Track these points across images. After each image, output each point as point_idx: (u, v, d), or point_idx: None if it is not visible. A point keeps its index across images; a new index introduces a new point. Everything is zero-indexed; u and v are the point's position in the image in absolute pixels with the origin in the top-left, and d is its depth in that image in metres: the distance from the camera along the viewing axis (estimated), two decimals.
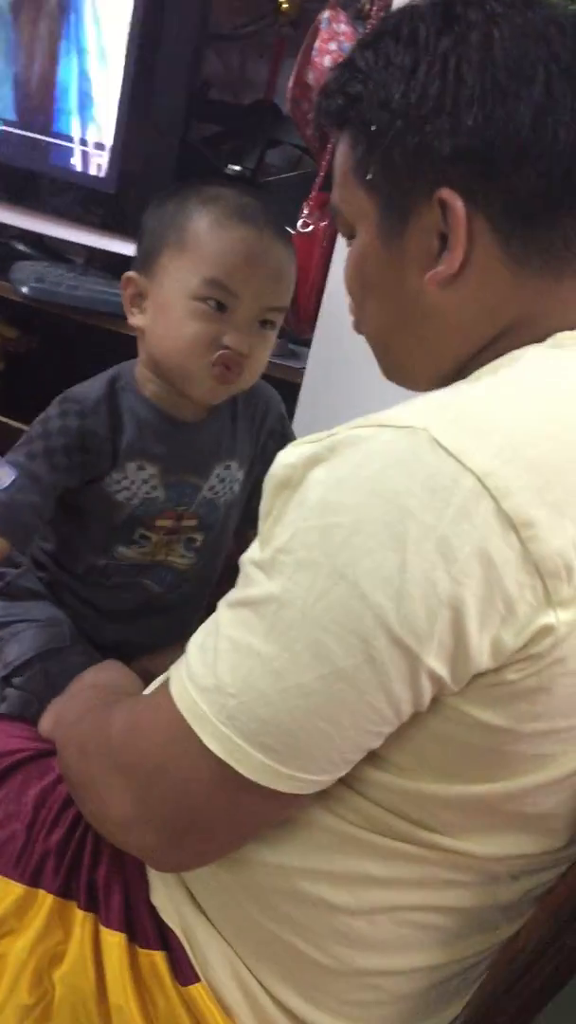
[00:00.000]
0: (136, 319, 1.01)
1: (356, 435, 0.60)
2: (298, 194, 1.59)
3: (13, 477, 0.97)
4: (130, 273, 1.01)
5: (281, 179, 1.74)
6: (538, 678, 0.59)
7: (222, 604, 0.65)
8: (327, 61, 1.45)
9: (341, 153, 0.73)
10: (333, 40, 1.45)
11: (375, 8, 1.41)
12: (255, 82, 1.95)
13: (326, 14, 1.47)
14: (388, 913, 0.68)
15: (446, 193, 0.66)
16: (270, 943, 0.70)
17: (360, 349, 0.80)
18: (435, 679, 0.58)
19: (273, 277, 0.96)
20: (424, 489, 0.56)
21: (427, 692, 0.59)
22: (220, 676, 0.62)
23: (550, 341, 0.66)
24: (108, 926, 0.75)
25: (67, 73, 1.72)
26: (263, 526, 0.64)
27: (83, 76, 1.70)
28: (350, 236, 0.75)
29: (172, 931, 0.74)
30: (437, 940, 0.69)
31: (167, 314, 0.97)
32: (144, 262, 0.99)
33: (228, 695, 0.61)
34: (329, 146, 1.50)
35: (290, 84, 1.53)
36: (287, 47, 1.84)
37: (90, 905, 0.76)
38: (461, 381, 0.67)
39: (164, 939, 0.74)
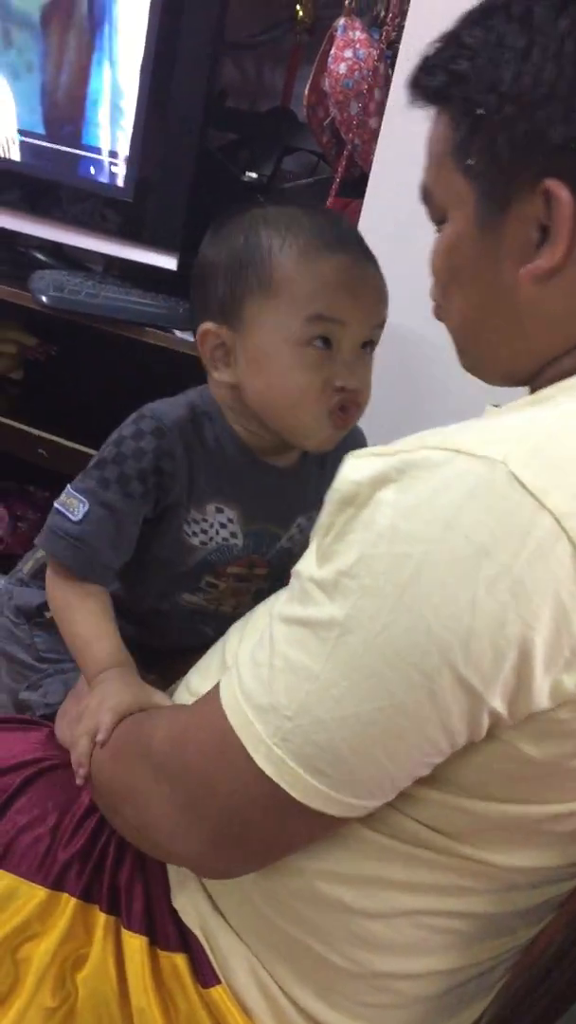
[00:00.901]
0: (224, 374, 0.91)
1: (428, 458, 0.58)
2: (315, 200, 1.60)
3: (86, 509, 0.88)
4: (208, 326, 0.90)
5: (298, 185, 1.74)
6: None
7: (276, 617, 0.64)
8: (343, 68, 1.46)
9: (437, 133, 0.69)
10: (349, 47, 1.45)
11: (390, 15, 1.41)
12: (271, 89, 1.96)
13: (341, 21, 1.48)
14: (406, 917, 0.68)
15: (553, 184, 0.62)
16: (289, 945, 0.71)
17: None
18: (494, 715, 0.58)
19: (374, 297, 0.88)
20: (500, 526, 0.55)
21: (485, 727, 0.59)
22: (276, 696, 0.61)
23: None
24: (130, 929, 0.76)
25: (97, 84, 1.73)
26: (322, 540, 0.63)
27: (114, 88, 1.72)
28: (440, 221, 0.71)
29: (193, 933, 0.75)
30: (454, 944, 0.70)
31: (267, 367, 0.87)
32: (222, 311, 0.89)
33: (284, 717, 0.60)
34: (345, 152, 1.51)
35: (306, 91, 1.54)
36: (303, 54, 1.85)
37: (112, 908, 0.77)
38: (535, 401, 0.65)
39: (185, 942, 0.75)
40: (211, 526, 0.95)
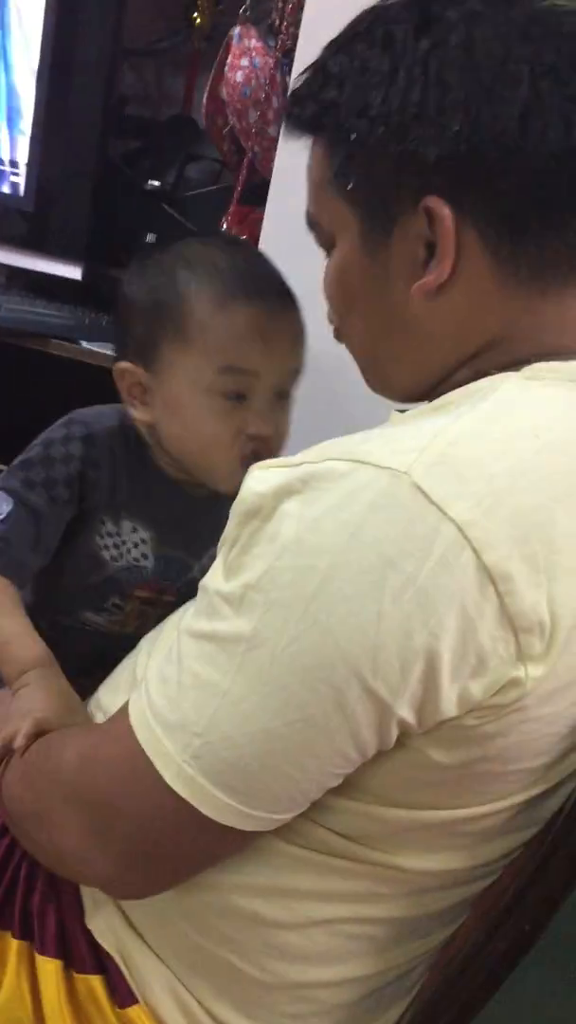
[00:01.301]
0: (140, 413, 0.90)
1: (331, 469, 0.58)
2: (218, 208, 1.60)
3: (9, 508, 0.87)
4: (124, 365, 0.89)
5: (201, 193, 1.74)
6: (496, 725, 0.59)
7: (184, 632, 0.63)
8: (239, 76, 1.46)
9: (315, 162, 0.70)
10: (245, 56, 1.46)
11: (285, 24, 1.42)
12: (173, 97, 1.95)
13: (237, 30, 1.48)
14: (320, 926, 0.68)
15: (433, 201, 0.63)
16: (206, 960, 0.70)
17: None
18: (403, 724, 0.58)
19: (289, 347, 0.87)
20: (405, 537, 0.55)
21: (394, 736, 0.59)
22: (184, 713, 0.60)
23: (527, 371, 0.64)
24: (43, 953, 0.75)
25: None
26: (228, 553, 0.62)
27: (9, 95, 1.69)
28: (329, 247, 0.71)
29: (108, 954, 0.74)
30: (369, 950, 0.70)
31: (180, 413, 0.87)
32: (140, 351, 0.88)
33: (193, 734, 0.60)
34: (246, 160, 1.51)
35: (204, 100, 1.54)
36: (202, 61, 1.85)
37: (25, 933, 0.76)
38: (436, 408, 0.65)
39: (101, 963, 0.74)
40: (124, 543, 0.94)
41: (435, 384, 0.69)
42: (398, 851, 0.66)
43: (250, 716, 0.58)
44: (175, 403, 0.87)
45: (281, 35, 1.43)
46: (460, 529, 0.54)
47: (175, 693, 0.61)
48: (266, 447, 0.87)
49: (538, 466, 0.58)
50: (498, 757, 0.61)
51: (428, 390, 0.69)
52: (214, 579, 0.63)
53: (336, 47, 0.67)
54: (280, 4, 1.47)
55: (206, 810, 0.60)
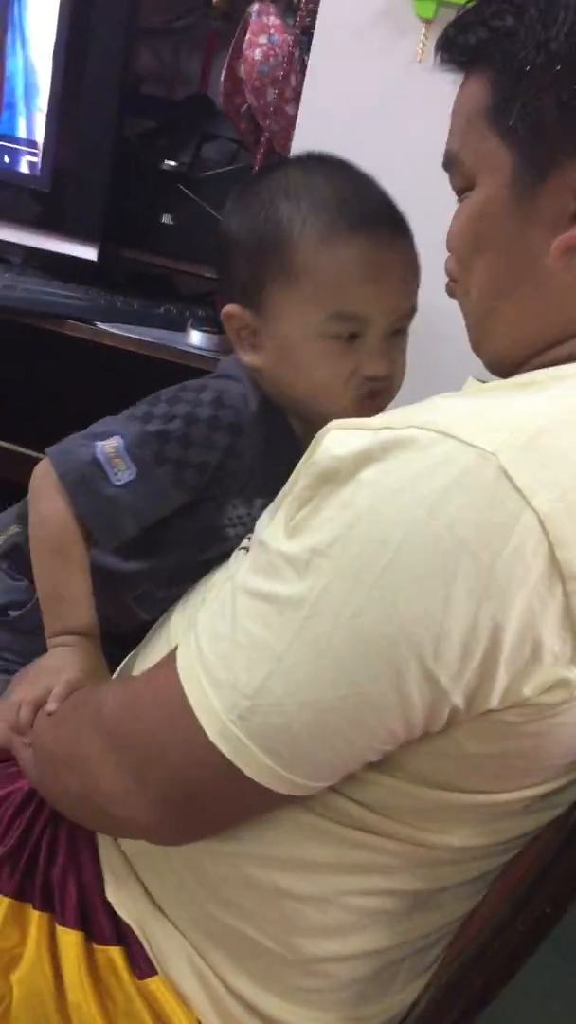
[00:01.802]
0: (251, 358, 0.86)
1: (415, 438, 0.56)
2: (235, 188, 1.59)
3: (131, 477, 0.81)
4: (231, 308, 0.85)
5: (217, 173, 1.73)
6: (536, 725, 0.59)
7: (239, 588, 0.62)
8: (258, 54, 1.45)
9: (468, 94, 0.66)
10: (263, 33, 1.45)
11: (304, 1, 1.41)
12: (189, 77, 1.94)
13: (255, 7, 1.47)
14: (337, 898, 0.68)
15: None
16: (224, 932, 0.71)
17: None
18: (454, 710, 0.58)
19: (401, 285, 0.83)
20: (485, 522, 0.53)
21: (443, 720, 0.59)
22: (235, 672, 0.60)
23: None
24: (64, 925, 0.75)
25: (11, 71, 1.70)
26: (295, 511, 0.61)
27: (27, 76, 1.68)
28: (464, 189, 0.68)
29: (128, 926, 0.74)
30: (386, 922, 0.70)
31: (291, 357, 0.83)
32: (245, 293, 0.84)
33: (242, 695, 0.59)
34: (263, 139, 1.50)
35: (222, 78, 1.53)
36: (220, 41, 1.84)
37: (45, 905, 0.76)
38: (520, 387, 0.63)
39: (120, 934, 0.74)
40: (253, 519, 0.86)
41: (532, 355, 0.67)
42: (420, 825, 0.66)
43: (303, 684, 0.58)
44: (285, 346, 0.83)
45: (300, 12, 1.42)
46: (540, 521, 0.53)
47: (227, 650, 0.61)
48: (384, 386, 0.85)
49: None
50: (530, 754, 0.61)
51: (523, 360, 0.67)
52: (274, 536, 0.62)
53: None
54: None
55: (247, 770, 0.60)
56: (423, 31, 1.27)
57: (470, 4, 0.66)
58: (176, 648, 0.66)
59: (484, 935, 0.71)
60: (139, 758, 0.65)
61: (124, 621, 0.92)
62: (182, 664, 0.64)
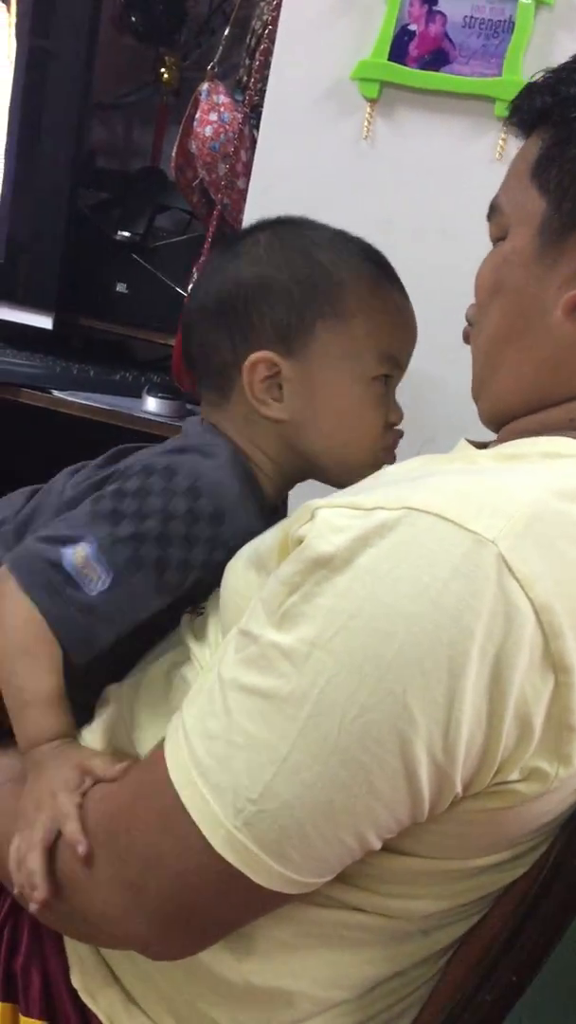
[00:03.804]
0: (275, 411, 0.80)
1: (411, 523, 0.55)
2: (188, 257, 1.62)
3: (106, 586, 0.73)
4: (264, 354, 0.79)
5: (171, 243, 1.76)
6: (512, 811, 0.59)
7: (228, 683, 0.59)
8: (208, 131, 1.49)
9: (523, 154, 0.70)
10: (213, 111, 1.49)
11: (253, 80, 1.45)
12: (141, 149, 1.98)
13: (205, 86, 1.51)
14: (296, 980, 0.67)
15: None
16: (189, 1016, 0.70)
17: None
18: (455, 796, 0.58)
19: (416, 335, 0.85)
20: (488, 613, 0.53)
21: (446, 806, 0.58)
22: (236, 775, 0.57)
23: None
24: (28, 1015, 0.73)
25: None
26: (286, 598, 0.58)
27: None
28: (500, 238, 0.71)
29: (93, 1013, 0.73)
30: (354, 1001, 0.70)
31: (335, 403, 0.80)
32: (283, 338, 0.79)
33: (246, 799, 0.56)
34: (215, 211, 1.53)
35: (173, 153, 1.57)
36: (170, 115, 1.89)
37: (8, 995, 0.75)
38: (510, 456, 0.64)
39: (87, 1021, 0.73)
40: None
41: (527, 410, 0.69)
42: (383, 891, 0.65)
43: (312, 786, 0.55)
44: (331, 391, 0.80)
45: (249, 90, 1.46)
46: (536, 612, 0.54)
47: (224, 752, 0.58)
48: (400, 437, 0.85)
49: None
50: (498, 831, 0.62)
51: (518, 413, 0.70)
52: (260, 625, 0.59)
53: None
54: (247, 61, 1.50)
55: (256, 878, 0.58)
56: (368, 110, 1.32)
57: (543, 75, 0.71)
58: (161, 746, 0.63)
59: (452, 1007, 0.71)
60: (134, 872, 0.61)
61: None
62: (174, 768, 0.60)
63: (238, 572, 0.71)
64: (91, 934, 0.69)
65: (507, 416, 0.71)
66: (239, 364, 0.80)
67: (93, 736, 0.78)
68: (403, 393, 0.86)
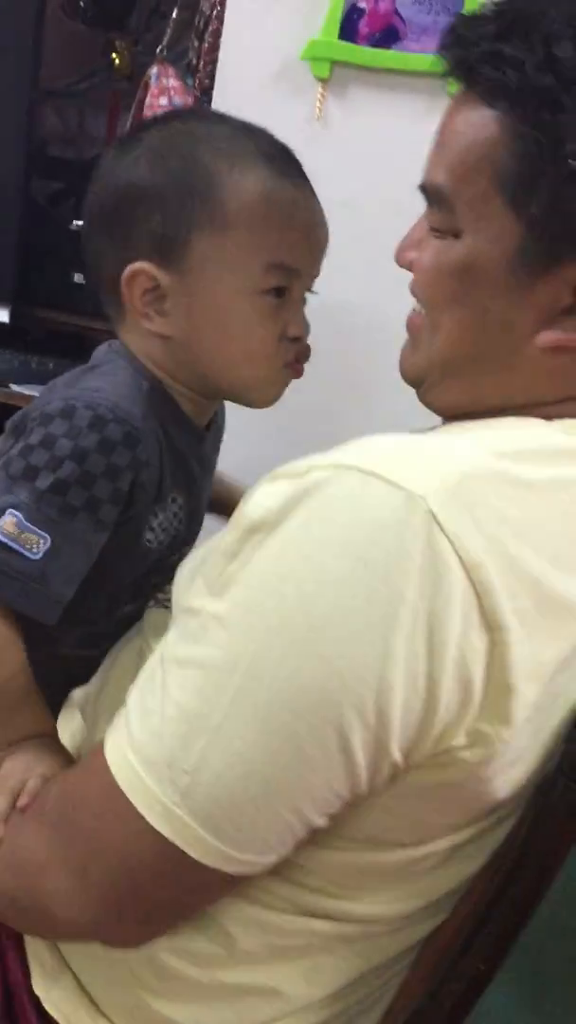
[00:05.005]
0: (158, 325, 0.76)
1: (342, 481, 0.54)
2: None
3: (47, 545, 0.70)
4: (142, 265, 0.74)
5: None
6: (457, 781, 0.58)
7: (167, 658, 0.58)
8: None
9: (473, 127, 0.60)
10: (163, 95, 1.46)
11: (203, 63, 1.43)
12: (94, 137, 1.95)
13: (155, 69, 1.49)
14: (269, 979, 0.67)
15: None
16: (151, 1018, 0.68)
17: None
18: (393, 766, 0.56)
19: (323, 241, 0.78)
20: (418, 571, 0.52)
21: (384, 778, 0.57)
22: (171, 749, 0.56)
23: (558, 425, 0.62)
24: None
25: None
26: (224, 566, 0.57)
27: None
28: (444, 231, 0.64)
29: (55, 1021, 0.71)
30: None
31: (218, 317, 0.75)
32: (159, 248, 0.74)
33: (181, 771, 0.55)
34: None
35: None
36: (123, 101, 1.86)
37: None
38: (451, 425, 0.63)
39: None
40: (167, 520, 0.79)
41: (474, 416, 0.66)
42: (345, 895, 0.64)
43: (244, 754, 0.54)
44: (211, 306, 0.75)
45: (199, 74, 1.44)
46: (467, 571, 0.52)
47: (158, 726, 0.57)
48: (305, 350, 0.79)
49: (546, 518, 0.57)
50: (449, 807, 0.61)
51: (462, 417, 0.67)
52: (202, 598, 0.58)
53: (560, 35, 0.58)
54: (197, 44, 1.48)
55: (192, 852, 0.57)
56: (320, 90, 1.30)
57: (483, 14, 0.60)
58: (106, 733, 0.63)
59: (419, 999, 0.70)
60: (80, 854, 0.61)
61: (80, 669, 0.84)
62: (110, 747, 0.60)
63: (183, 585, 0.68)
64: (36, 920, 0.67)
65: (454, 415, 0.68)
66: (121, 276, 0.75)
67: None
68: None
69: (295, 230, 0.75)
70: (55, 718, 0.81)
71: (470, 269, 0.63)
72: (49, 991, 0.72)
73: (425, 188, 0.65)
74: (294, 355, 0.79)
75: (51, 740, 0.74)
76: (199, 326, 0.76)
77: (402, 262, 0.69)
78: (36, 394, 1.52)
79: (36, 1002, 0.72)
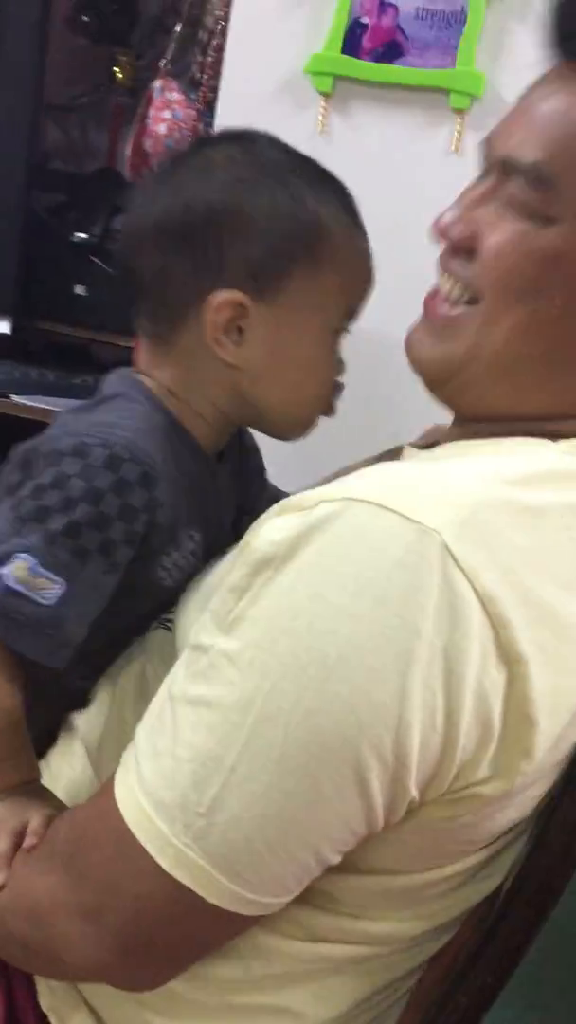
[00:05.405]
0: (229, 352, 0.74)
1: (353, 514, 0.53)
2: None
3: (62, 590, 0.67)
4: (236, 294, 0.72)
5: None
6: (473, 815, 0.57)
7: (177, 697, 0.57)
8: (163, 129, 1.47)
9: None
10: (167, 108, 1.47)
11: (206, 76, 1.44)
12: (97, 150, 1.96)
13: (158, 83, 1.49)
14: (281, 1000, 0.66)
15: None
16: None
17: None
18: (411, 802, 0.55)
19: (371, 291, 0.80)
20: (434, 607, 0.51)
21: (401, 814, 0.56)
22: (183, 791, 0.54)
23: (564, 445, 0.60)
24: None
25: None
26: (234, 603, 0.56)
27: None
28: (544, 218, 0.59)
29: None
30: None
31: (299, 353, 0.75)
32: (254, 276, 0.72)
33: (195, 814, 0.54)
34: None
35: (128, 152, 1.55)
36: (125, 115, 1.86)
37: None
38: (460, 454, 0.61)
39: None
40: (183, 558, 0.77)
41: (500, 422, 0.63)
42: (357, 914, 0.64)
43: (260, 796, 0.53)
44: (294, 342, 0.75)
45: (202, 87, 1.45)
46: (483, 604, 0.52)
47: (170, 767, 0.55)
48: (341, 391, 0.81)
49: (560, 548, 0.56)
50: (462, 839, 0.60)
51: (492, 421, 0.64)
52: (209, 634, 0.57)
53: None
54: (200, 57, 1.49)
55: (209, 896, 0.55)
56: (322, 104, 1.31)
57: None
58: (115, 772, 0.61)
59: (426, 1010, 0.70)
60: (93, 896, 0.59)
61: (79, 693, 0.81)
62: (120, 788, 0.58)
63: (190, 616, 0.68)
64: (48, 964, 0.66)
65: (483, 418, 0.65)
66: (199, 300, 0.73)
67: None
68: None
69: (365, 280, 0.78)
70: (53, 742, 0.80)
71: (561, 260, 0.58)
72: (53, 1005, 0.71)
73: (532, 177, 0.59)
74: (336, 394, 0.80)
75: (40, 787, 0.73)
76: (276, 359, 0.75)
77: (452, 233, 0.63)
78: (37, 405, 1.53)
79: (41, 1017, 0.71)
